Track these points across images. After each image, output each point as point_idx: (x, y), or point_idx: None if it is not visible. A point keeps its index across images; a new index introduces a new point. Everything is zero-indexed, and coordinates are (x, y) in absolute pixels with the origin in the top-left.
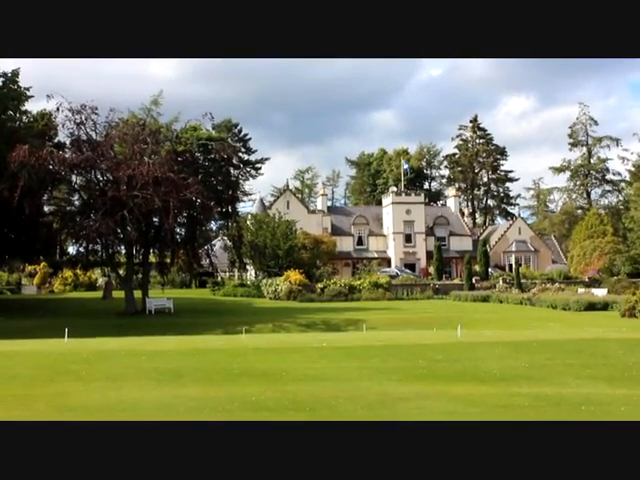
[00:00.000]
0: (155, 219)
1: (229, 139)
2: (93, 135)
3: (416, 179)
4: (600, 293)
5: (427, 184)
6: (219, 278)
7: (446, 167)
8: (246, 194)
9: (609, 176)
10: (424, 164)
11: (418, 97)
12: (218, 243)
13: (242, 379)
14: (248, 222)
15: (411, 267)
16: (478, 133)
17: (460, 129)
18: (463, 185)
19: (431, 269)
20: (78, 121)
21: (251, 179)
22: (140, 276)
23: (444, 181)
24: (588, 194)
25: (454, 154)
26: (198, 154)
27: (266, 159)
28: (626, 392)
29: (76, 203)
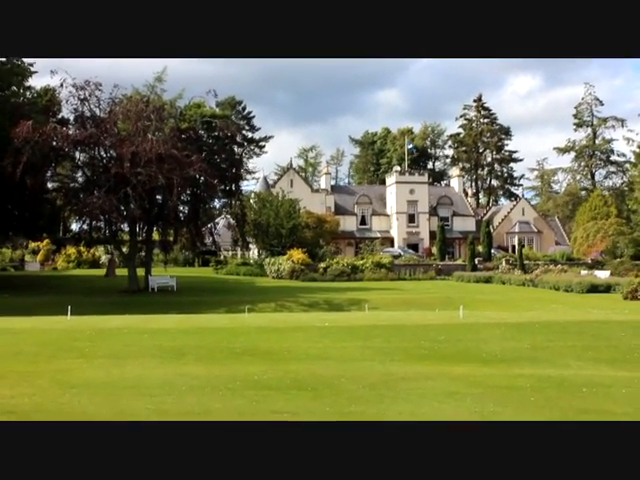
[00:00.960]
0: (158, 197)
1: (233, 117)
2: (97, 111)
3: (420, 159)
4: (603, 275)
5: (431, 164)
6: (222, 257)
7: (450, 147)
8: (250, 172)
9: (614, 157)
10: (428, 143)
11: (423, 76)
12: (221, 221)
13: (245, 358)
14: (251, 201)
15: (414, 247)
16: (482, 113)
17: (464, 109)
18: (467, 165)
19: (434, 249)
20: (82, 97)
21: (255, 157)
22: (143, 254)
23: (448, 161)
24: (592, 175)
25: (458, 134)
26: (202, 131)
27: (270, 137)
28: (628, 374)
29: (79, 180)
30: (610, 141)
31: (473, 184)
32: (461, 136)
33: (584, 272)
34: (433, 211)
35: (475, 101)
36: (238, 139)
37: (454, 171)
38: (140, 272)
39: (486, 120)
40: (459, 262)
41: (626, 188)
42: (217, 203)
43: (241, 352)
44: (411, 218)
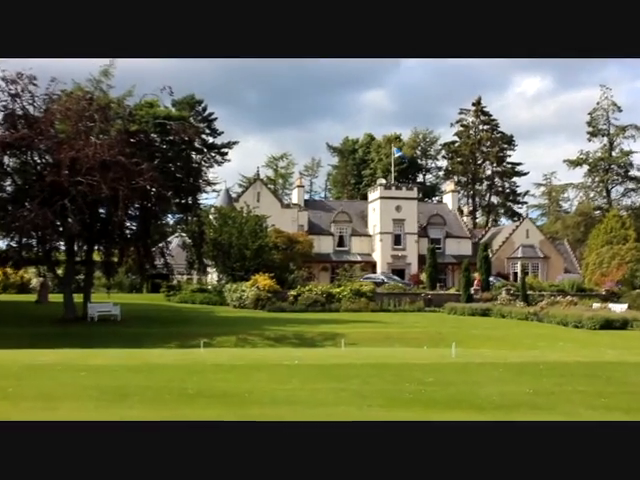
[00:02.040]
0: (102, 210)
1: (191, 118)
2: (30, 109)
3: (408, 170)
4: (619, 309)
5: (421, 177)
6: (175, 281)
7: (444, 157)
8: (210, 183)
9: (633, 172)
10: (418, 153)
11: (415, 75)
12: (175, 240)
13: (199, 400)
14: (211, 216)
15: (400, 273)
16: (482, 118)
17: (461, 113)
18: (463, 179)
19: (423, 276)
20: (13, 92)
21: (216, 166)
22: (82, 277)
23: (441, 174)
24: (608, 192)
25: (453, 142)
26: (154, 135)
27: (234, 143)
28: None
29: (8, 189)
30: (629, 153)
31: (470, 201)
32: (456, 145)
33: (597, 305)
34: (423, 232)
35: (474, 105)
36: (197, 144)
37: (448, 185)
38: (78, 298)
39: (486, 127)
40: (452, 292)
41: None
42: (170, 219)
43: (194, 394)
44: (397, 239)
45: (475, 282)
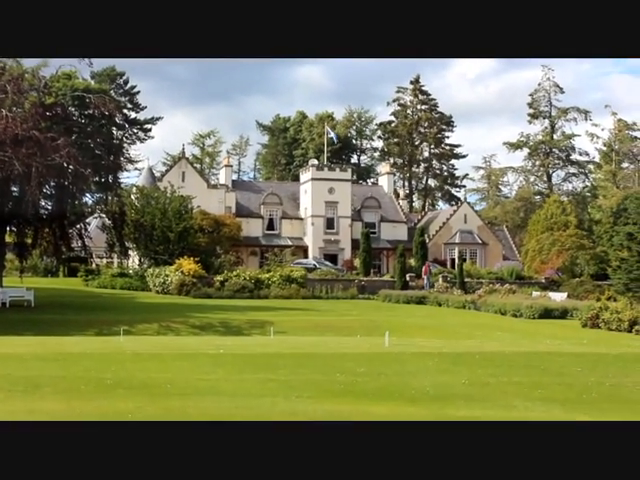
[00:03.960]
0: (14, 188)
1: (112, 92)
2: None
3: (342, 151)
4: (558, 297)
5: (356, 157)
6: (94, 265)
7: (379, 138)
8: (131, 161)
9: (575, 156)
10: (353, 133)
11: None
12: (94, 221)
13: (117, 391)
14: (133, 196)
15: (333, 259)
16: (420, 98)
17: (398, 92)
18: (399, 160)
19: (357, 262)
20: None
21: (139, 143)
22: None
23: (376, 155)
24: (549, 177)
25: (390, 122)
26: (72, 109)
27: (158, 119)
28: (583, 418)
29: None
30: (571, 137)
31: (406, 183)
32: (393, 125)
33: (536, 293)
34: (357, 215)
35: (412, 83)
36: (118, 120)
37: (383, 167)
38: None
39: (424, 107)
40: (387, 278)
41: (588, 193)
42: (89, 198)
43: (113, 384)
44: (330, 223)
45: (424, 269)
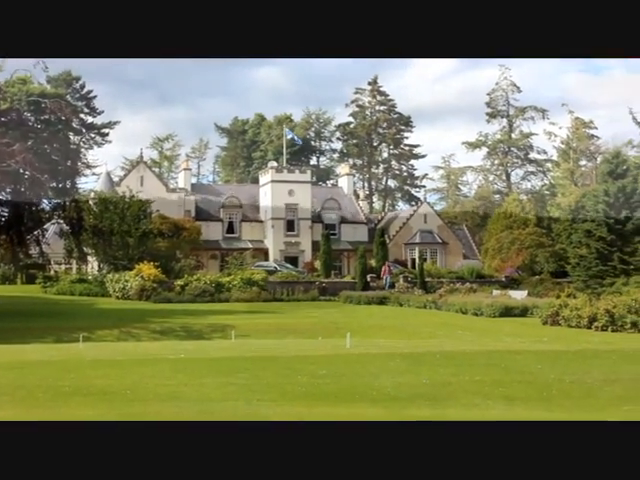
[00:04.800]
0: None
1: (68, 96)
2: None
3: (302, 153)
4: (519, 296)
5: (315, 159)
6: (52, 272)
7: (338, 139)
8: (89, 166)
9: (533, 155)
10: (312, 134)
11: None
12: (52, 227)
13: (75, 399)
14: (91, 202)
15: (293, 261)
16: (378, 98)
17: (357, 93)
18: (359, 162)
19: (317, 264)
20: None
21: (96, 148)
22: None
23: (336, 156)
24: (508, 176)
25: (348, 123)
26: (28, 114)
27: (115, 123)
28: (545, 415)
29: None
30: (529, 135)
31: (366, 184)
32: (352, 126)
33: (496, 292)
34: (317, 217)
35: (370, 84)
36: (75, 124)
37: (343, 169)
38: None
39: (382, 107)
40: (348, 279)
41: (547, 192)
42: (46, 204)
43: (71, 392)
44: (290, 225)
45: (383, 269)
